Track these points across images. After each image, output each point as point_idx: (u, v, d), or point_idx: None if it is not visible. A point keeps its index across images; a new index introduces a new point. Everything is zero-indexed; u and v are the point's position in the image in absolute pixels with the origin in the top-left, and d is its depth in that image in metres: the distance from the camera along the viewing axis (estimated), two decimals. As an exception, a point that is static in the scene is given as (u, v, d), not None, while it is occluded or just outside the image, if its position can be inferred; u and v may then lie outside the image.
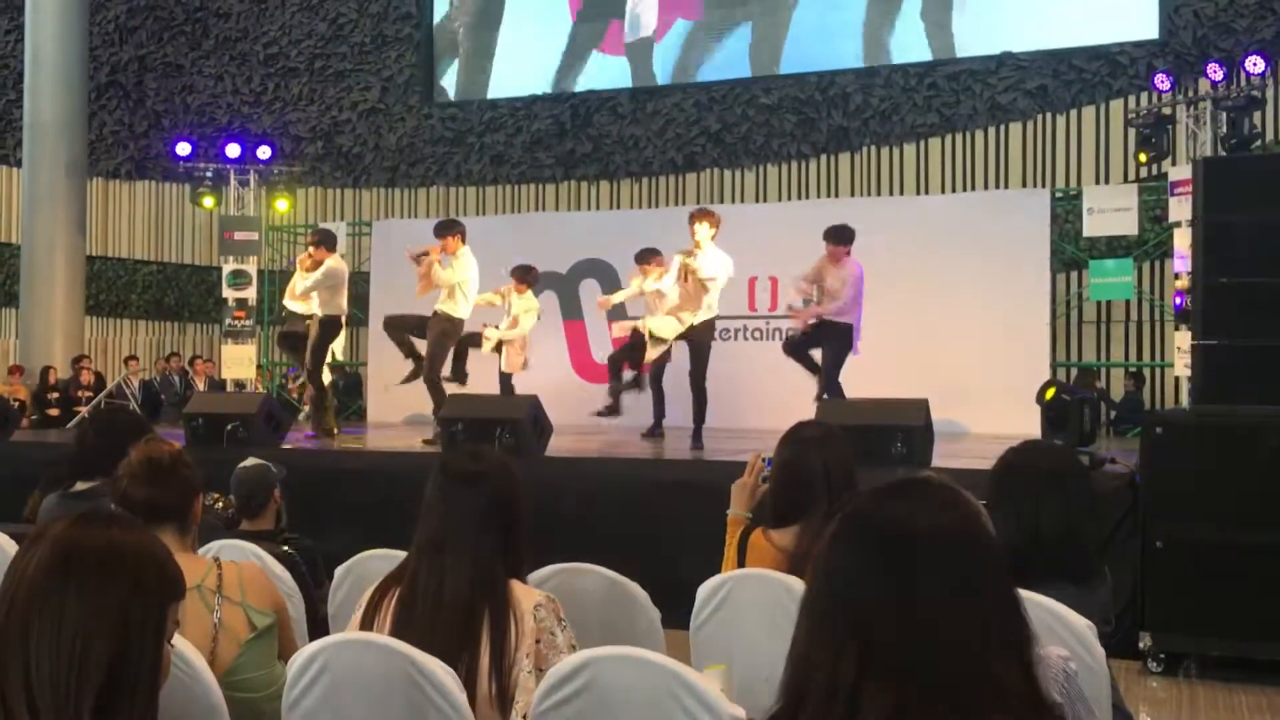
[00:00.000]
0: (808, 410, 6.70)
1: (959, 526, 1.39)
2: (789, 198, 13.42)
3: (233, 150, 13.64)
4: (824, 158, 13.49)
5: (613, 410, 8.56)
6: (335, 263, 9.16)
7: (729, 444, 8.27)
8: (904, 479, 1.47)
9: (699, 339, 8.34)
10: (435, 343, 8.68)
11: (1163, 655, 5.50)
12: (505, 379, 9.53)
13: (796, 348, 8.60)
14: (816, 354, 8.50)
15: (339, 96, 15.85)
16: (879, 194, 13.06)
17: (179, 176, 14.93)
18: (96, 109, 16.32)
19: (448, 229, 8.89)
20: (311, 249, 9.29)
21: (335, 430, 9.47)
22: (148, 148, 16.66)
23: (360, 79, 15.79)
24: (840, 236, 8.49)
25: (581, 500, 6.63)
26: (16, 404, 11.56)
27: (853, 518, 1.41)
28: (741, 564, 3.13)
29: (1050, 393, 6.28)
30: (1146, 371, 11.96)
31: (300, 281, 9.31)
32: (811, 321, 8.47)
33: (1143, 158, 10.53)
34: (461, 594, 2.39)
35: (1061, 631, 2.53)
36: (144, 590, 1.58)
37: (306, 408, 11.06)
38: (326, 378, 9.64)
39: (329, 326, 9.14)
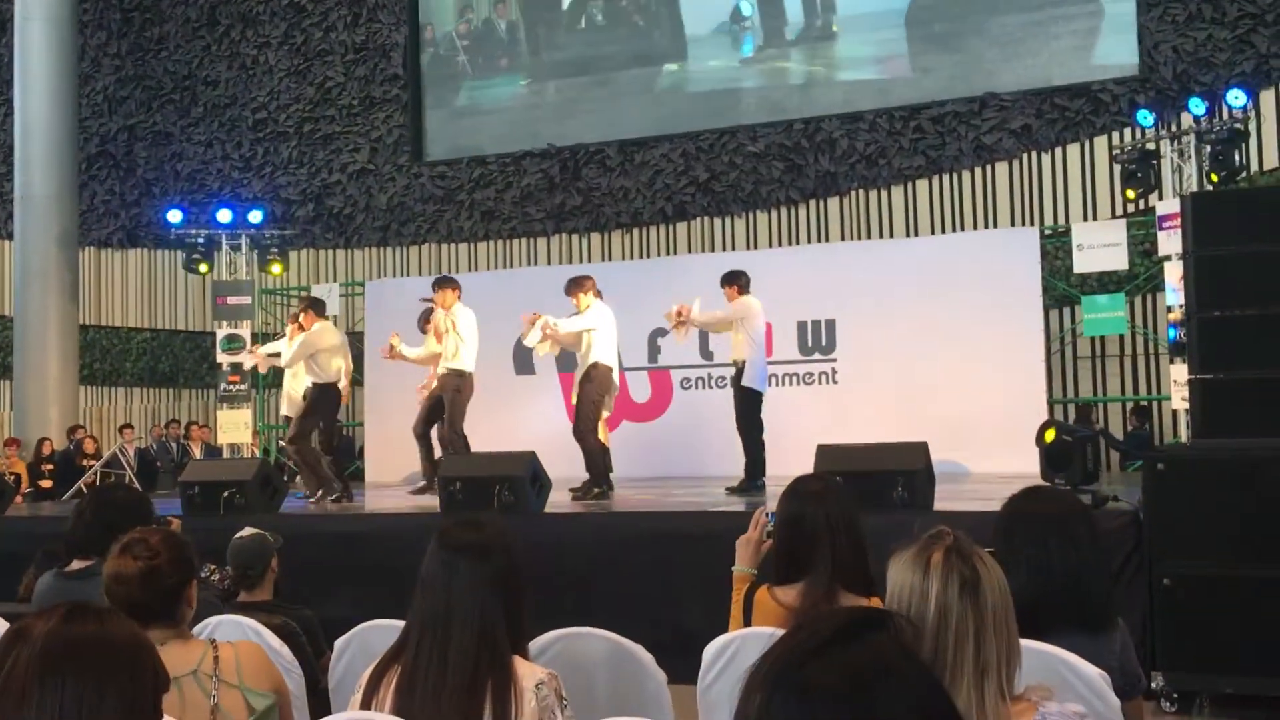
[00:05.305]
0: (806, 454, 6.66)
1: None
2: (779, 244, 13.47)
3: (224, 216, 13.66)
4: (812, 203, 13.57)
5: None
6: (319, 328, 8.97)
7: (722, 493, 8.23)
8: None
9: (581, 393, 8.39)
10: (453, 401, 8.73)
11: (1175, 695, 5.44)
12: None
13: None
14: None
15: (328, 159, 15.95)
16: (868, 237, 13.12)
17: (171, 244, 14.97)
18: (87, 179, 16.39)
19: (445, 284, 8.99)
20: (301, 316, 9.24)
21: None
22: (139, 216, 16.73)
23: (349, 141, 15.89)
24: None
25: (582, 555, 6.57)
26: (12, 477, 11.48)
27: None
28: (748, 622, 3.09)
29: (1050, 434, 6.24)
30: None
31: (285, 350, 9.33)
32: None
33: (1130, 194, 10.58)
34: (465, 669, 2.32)
35: (1073, 681, 2.50)
36: (142, 682, 1.57)
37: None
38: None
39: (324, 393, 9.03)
